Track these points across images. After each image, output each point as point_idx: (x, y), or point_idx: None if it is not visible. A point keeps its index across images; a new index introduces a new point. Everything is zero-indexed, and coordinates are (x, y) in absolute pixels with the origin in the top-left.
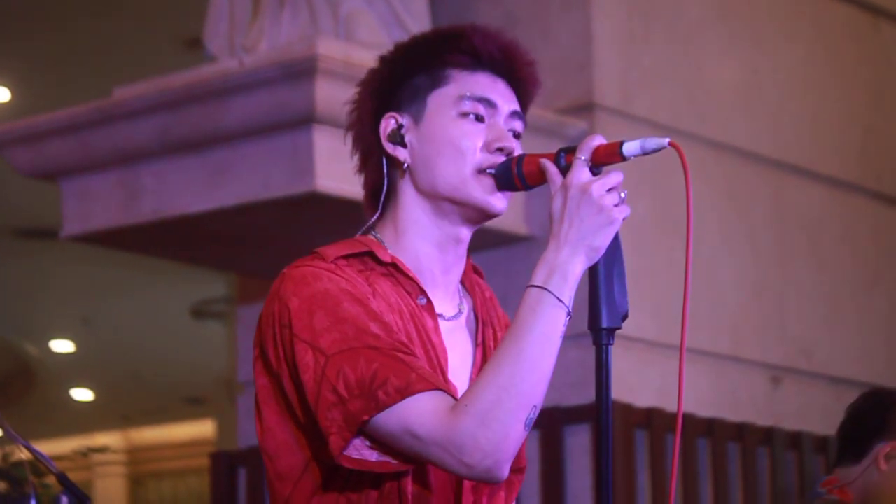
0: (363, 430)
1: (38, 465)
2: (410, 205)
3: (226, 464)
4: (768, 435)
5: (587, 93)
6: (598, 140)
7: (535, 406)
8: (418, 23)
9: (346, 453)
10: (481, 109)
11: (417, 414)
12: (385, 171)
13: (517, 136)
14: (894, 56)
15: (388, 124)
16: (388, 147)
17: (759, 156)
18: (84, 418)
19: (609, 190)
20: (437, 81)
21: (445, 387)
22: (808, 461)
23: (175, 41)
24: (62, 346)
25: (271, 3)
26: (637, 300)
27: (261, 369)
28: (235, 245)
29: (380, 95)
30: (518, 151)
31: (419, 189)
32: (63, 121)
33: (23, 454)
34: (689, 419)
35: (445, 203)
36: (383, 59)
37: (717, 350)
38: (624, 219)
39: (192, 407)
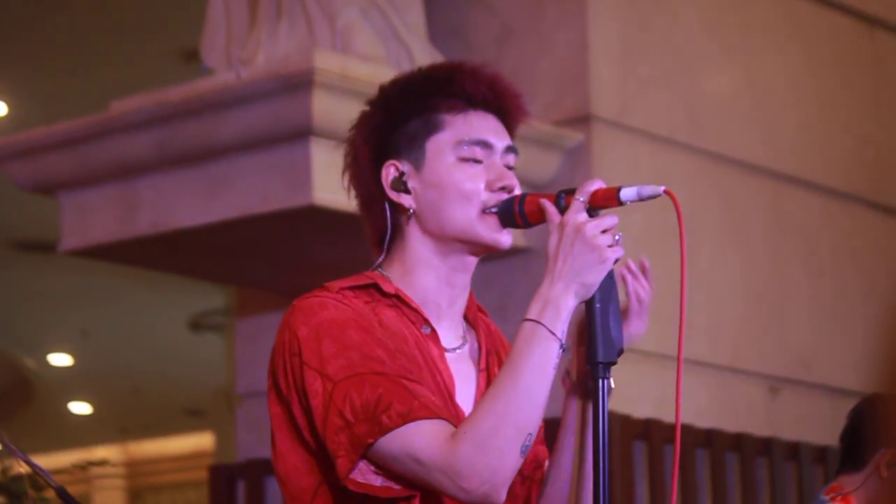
0: (368, 454)
1: (38, 478)
2: (417, 245)
3: (225, 476)
4: (767, 445)
5: (584, 104)
6: (597, 184)
7: (530, 434)
8: (415, 35)
9: (352, 476)
10: (478, 152)
11: (419, 439)
12: (389, 216)
13: (511, 167)
14: (890, 65)
15: (389, 172)
16: (393, 195)
17: (756, 166)
18: (82, 431)
19: (603, 231)
20: (432, 127)
21: (447, 415)
22: (806, 471)
23: (172, 54)
24: (60, 359)
25: (268, 15)
26: None
27: (274, 399)
28: (233, 257)
29: (375, 142)
30: (516, 186)
31: (426, 231)
32: (61, 134)
33: (22, 468)
34: (687, 430)
35: (453, 242)
36: (374, 104)
37: (715, 361)
38: (616, 260)
39: (190, 419)
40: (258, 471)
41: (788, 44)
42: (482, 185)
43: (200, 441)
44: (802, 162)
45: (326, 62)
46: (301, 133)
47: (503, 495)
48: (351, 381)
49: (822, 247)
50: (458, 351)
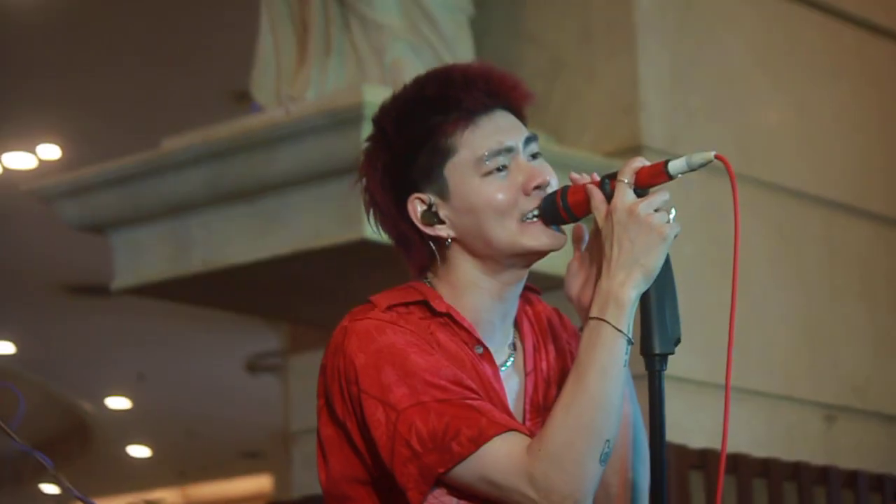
0: (441, 480)
1: None
2: (466, 269)
3: None
4: (824, 474)
5: (634, 135)
6: (640, 162)
7: (607, 440)
8: None
9: None
10: (501, 160)
11: (493, 461)
12: (433, 250)
13: (537, 155)
14: None
15: (415, 208)
16: (428, 230)
17: (808, 195)
18: (141, 475)
19: (657, 210)
20: (444, 154)
21: (517, 425)
22: (864, 499)
23: (222, 94)
24: (118, 402)
25: (317, 52)
26: (688, 341)
27: (326, 420)
28: (286, 294)
29: (390, 184)
30: (552, 179)
31: (472, 254)
32: (111, 173)
33: None
34: (743, 459)
35: (504, 259)
36: (376, 143)
37: (769, 390)
38: (676, 236)
39: (248, 461)
40: None
41: (837, 71)
42: (516, 193)
43: (258, 483)
44: (853, 190)
45: (376, 97)
46: (352, 168)
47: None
48: (415, 410)
49: (875, 274)
50: (507, 365)
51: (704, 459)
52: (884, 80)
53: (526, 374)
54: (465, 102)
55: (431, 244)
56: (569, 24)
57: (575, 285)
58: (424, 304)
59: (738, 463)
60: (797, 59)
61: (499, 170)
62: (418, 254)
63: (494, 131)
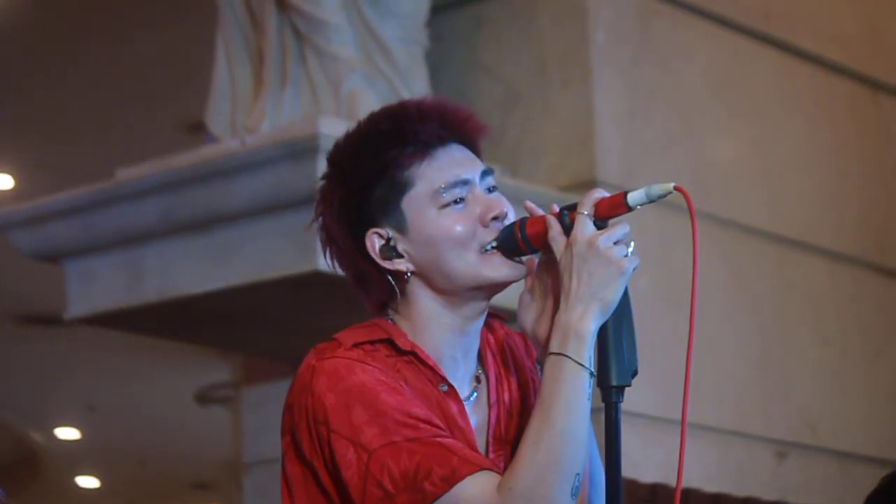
0: None
1: None
2: (426, 303)
3: None
4: None
5: (589, 168)
6: (600, 193)
7: (577, 474)
8: None
9: None
10: (458, 192)
11: (465, 500)
12: (393, 285)
13: (493, 189)
14: (894, 130)
15: (373, 243)
16: (387, 265)
17: (761, 230)
18: None
19: (616, 242)
20: (400, 188)
21: (489, 464)
22: None
23: (177, 125)
24: (67, 433)
25: (272, 83)
26: (641, 375)
27: (292, 457)
28: (240, 325)
29: (347, 220)
30: (509, 211)
31: (432, 288)
32: (66, 202)
33: None
34: (694, 494)
35: (465, 292)
36: (331, 179)
37: (721, 425)
38: (634, 269)
39: (198, 492)
40: None
41: (792, 108)
42: (473, 224)
43: None
44: (808, 226)
45: (331, 128)
46: (306, 199)
47: None
48: (387, 450)
49: (828, 311)
50: (472, 399)
51: (655, 494)
52: (838, 116)
53: (489, 407)
54: (420, 135)
55: (390, 279)
56: (524, 57)
57: (529, 318)
58: (389, 342)
59: (690, 498)
60: (752, 94)
61: (456, 202)
62: (377, 290)
63: (450, 164)
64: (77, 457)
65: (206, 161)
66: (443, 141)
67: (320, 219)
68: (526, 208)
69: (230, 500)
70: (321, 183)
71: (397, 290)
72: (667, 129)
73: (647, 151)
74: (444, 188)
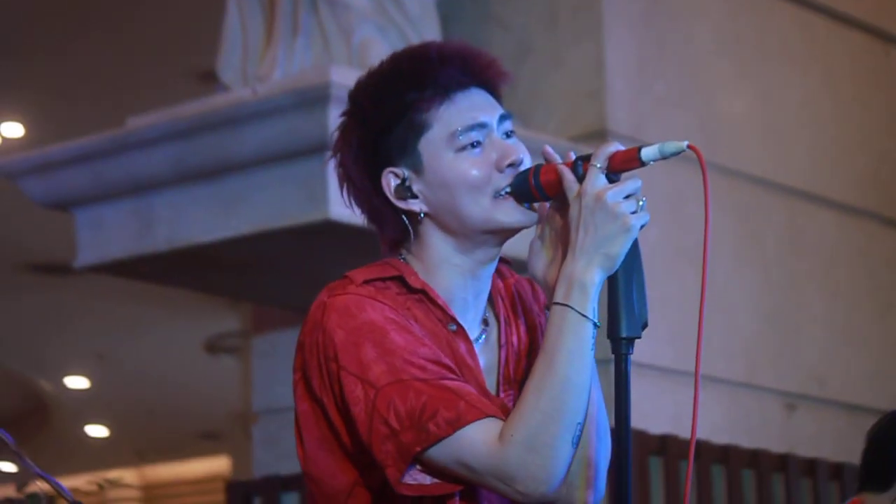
0: (417, 458)
1: (55, 496)
2: (438, 245)
3: (241, 493)
4: (783, 461)
5: (599, 120)
6: (615, 147)
7: (578, 423)
8: None
9: (403, 481)
10: (475, 136)
11: (469, 445)
12: (406, 224)
13: (511, 133)
14: None
15: (389, 182)
16: (401, 204)
17: (772, 183)
18: (98, 454)
19: (626, 197)
20: (418, 128)
21: (494, 411)
22: (822, 488)
23: (188, 74)
24: (77, 382)
25: (284, 32)
26: (651, 327)
27: (302, 394)
28: (249, 274)
29: (364, 158)
30: (525, 157)
31: (444, 230)
32: (76, 150)
33: (39, 486)
34: (703, 446)
35: (477, 235)
36: (350, 117)
37: (731, 377)
38: (642, 226)
39: (206, 442)
40: (274, 487)
41: (803, 61)
42: (489, 169)
43: (216, 464)
44: (817, 179)
45: (343, 77)
46: (317, 148)
47: (561, 489)
48: (394, 388)
49: (837, 263)
50: (481, 340)
51: (665, 445)
52: (849, 69)
53: (499, 347)
54: (440, 79)
55: (404, 218)
56: (536, 9)
57: (539, 264)
58: (400, 280)
59: (699, 449)
60: (763, 47)
61: (472, 146)
62: (391, 229)
63: (469, 108)
64: (86, 406)
65: (217, 110)
66: (463, 85)
67: (338, 156)
68: (544, 153)
69: (238, 450)
70: (341, 119)
71: (410, 230)
72: (677, 82)
73: (658, 104)
74: (460, 131)
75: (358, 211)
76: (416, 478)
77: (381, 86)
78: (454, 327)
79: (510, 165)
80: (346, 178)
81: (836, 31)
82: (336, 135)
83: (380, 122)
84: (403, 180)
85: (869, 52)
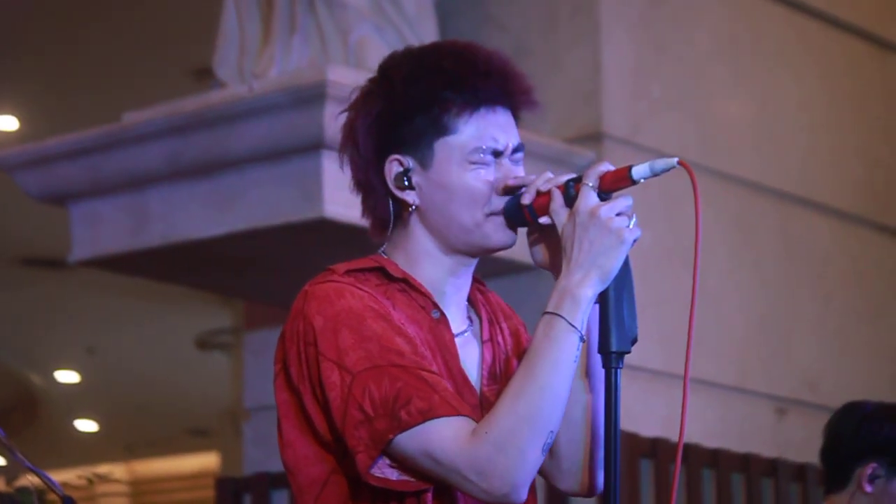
0: (387, 450)
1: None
2: (421, 239)
3: (231, 490)
4: (773, 466)
5: (595, 122)
6: (605, 167)
7: (551, 432)
8: None
9: (371, 471)
10: (490, 157)
11: (438, 438)
12: (392, 210)
13: (519, 161)
14: None
15: (392, 168)
16: (397, 192)
17: (767, 188)
18: (88, 449)
19: (618, 214)
20: (441, 129)
21: (467, 411)
22: (812, 493)
23: (184, 71)
24: (67, 376)
25: (281, 30)
26: (643, 330)
27: (282, 384)
28: (243, 270)
29: (377, 133)
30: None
31: (429, 227)
32: (72, 144)
33: (28, 479)
34: (694, 449)
35: (457, 241)
36: (378, 89)
37: (722, 381)
38: (634, 241)
39: (196, 439)
40: (264, 484)
41: (800, 66)
42: (490, 190)
43: (205, 461)
44: (812, 184)
45: (339, 76)
46: (313, 146)
47: (524, 495)
48: (370, 374)
49: (830, 269)
50: (465, 335)
51: (655, 448)
52: (845, 76)
53: (483, 343)
54: (479, 90)
55: (391, 204)
56: (534, 11)
57: (542, 253)
58: (381, 271)
59: (688, 453)
60: (760, 51)
61: (485, 164)
62: (377, 208)
63: (495, 127)
64: (76, 400)
65: (213, 106)
66: (495, 102)
67: (352, 114)
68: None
69: (227, 447)
70: (365, 84)
71: (393, 216)
72: (674, 85)
73: (654, 107)
74: (483, 149)
75: (347, 172)
76: (384, 471)
77: (418, 72)
78: (437, 315)
79: (510, 191)
80: (351, 138)
81: (833, 36)
82: (356, 95)
83: (405, 105)
84: (406, 170)
85: (866, 59)
